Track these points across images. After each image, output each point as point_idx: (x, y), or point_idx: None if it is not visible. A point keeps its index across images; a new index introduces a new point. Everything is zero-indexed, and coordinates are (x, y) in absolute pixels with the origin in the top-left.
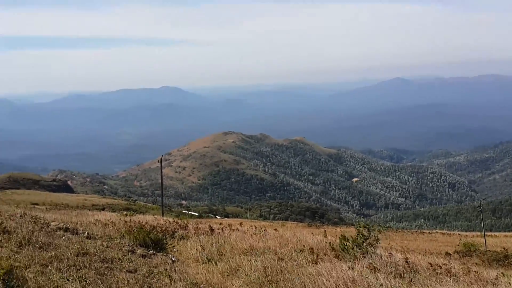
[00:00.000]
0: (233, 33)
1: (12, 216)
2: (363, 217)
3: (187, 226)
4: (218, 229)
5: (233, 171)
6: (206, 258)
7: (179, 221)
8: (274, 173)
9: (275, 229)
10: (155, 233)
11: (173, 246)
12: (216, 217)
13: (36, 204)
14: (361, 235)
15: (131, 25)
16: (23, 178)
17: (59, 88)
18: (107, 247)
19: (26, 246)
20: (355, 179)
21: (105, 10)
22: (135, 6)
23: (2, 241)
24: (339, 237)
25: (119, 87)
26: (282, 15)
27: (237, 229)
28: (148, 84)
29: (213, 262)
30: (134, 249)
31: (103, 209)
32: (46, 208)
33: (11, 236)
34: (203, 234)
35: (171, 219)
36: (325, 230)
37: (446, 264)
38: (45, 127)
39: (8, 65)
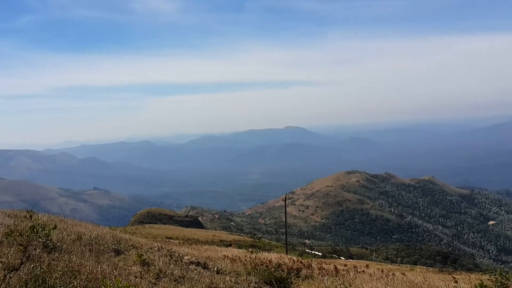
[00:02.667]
0: (357, 71)
1: (150, 249)
2: (501, 264)
3: (311, 265)
4: (343, 270)
5: (357, 211)
6: None
7: (303, 260)
8: (400, 214)
9: (403, 273)
10: (280, 271)
11: (298, 286)
12: (340, 258)
13: (171, 238)
14: (499, 284)
15: (256, 69)
16: (159, 214)
17: (194, 130)
18: (235, 283)
19: (163, 278)
20: (491, 222)
21: (231, 57)
22: (259, 51)
23: (142, 272)
24: (475, 285)
25: (246, 128)
26: (408, 52)
27: (363, 271)
28: (273, 125)
29: None
30: (261, 287)
31: (230, 245)
32: (180, 242)
33: (149, 268)
34: (327, 274)
35: (295, 258)
36: (454, 277)
37: None
38: (181, 166)
39: (149, 110)
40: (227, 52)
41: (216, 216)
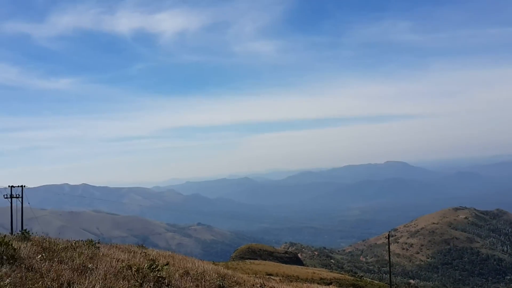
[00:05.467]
0: (462, 103)
1: (253, 286)
2: None
3: None
4: None
5: (466, 250)
6: None
7: None
8: None
9: None
10: None
11: None
12: None
13: (271, 274)
14: None
15: (353, 104)
16: (259, 249)
17: (291, 166)
18: None
19: None
20: None
21: (328, 93)
22: (356, 85)
23: None
24: None
25: (345, 163)
26: None
27: None
28: (372, 160)
29: None
30: None
31: (330, 283)
32: (280, 279)
33: None
34: None
35: None
36: None
37: None
38: (280, 202)
39: (248, 147)
40: (323, 88)
41: (316, 253)
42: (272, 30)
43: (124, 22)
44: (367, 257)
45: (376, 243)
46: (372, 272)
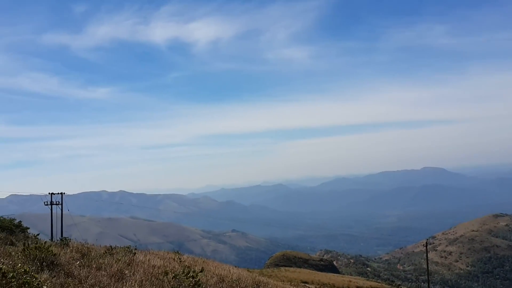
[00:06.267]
0: (501, 107)
1: None
2: None
3: None
4: None
5: (508, 258)
6: None
7: None
8: None
9: None
10: None
11: None
12: None
13: (306, 282)
14: None
15: (388, 109)
16: (294, 257)
17: (325, 173)
18: None
19: None
20: None
21: (362, 99)
22: (391, 91)
23: None
24: None
25: (380, 169)
26: None
27: None
28: (409, 166)
29: None
30: None
31: None
32: (315, 287)
33: None
34: None
35: None
36: None
37: None
38: (315, 209)
39: (282, 154)
40: (358, 94)
41: (351, 260)
42: (305, 36)
43: (159, 32)
44: (405, 265)
45: (413, 251)
46: (410, 280)
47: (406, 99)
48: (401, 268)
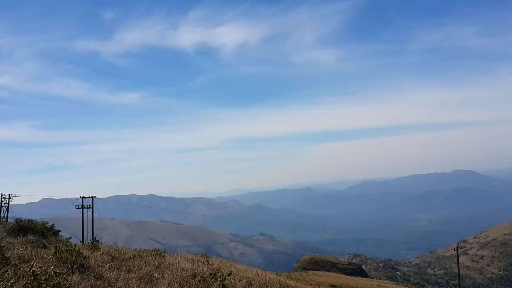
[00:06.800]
0: None
1: None
2: None
3: None
4: None
5: None
6: None
7: None
8: None
9: None
10: None
11: None
12: None
13: (334, 286)
14: None
15: (417, 111)
16: (322, 260)
17: (353, 176)
18: None
19: None
20: None
21: (390, 101)
22: (419, 93)
23: None
24: None
25: (410, 172)
26: None
27: None
28: (439, 169)
29: None
30: None
31: None
32: None
33: None
34: None
35: None
36: None
37: None
38: (343, 212)
39: (309, 157)
40: (386, 96)
41: (381, 264)
42: (332, 39)
43: (187, 37)
44: (435, 270)
45: (444, 255)
46: (441, 285)
47: (435, 101)
48: (432, 272)
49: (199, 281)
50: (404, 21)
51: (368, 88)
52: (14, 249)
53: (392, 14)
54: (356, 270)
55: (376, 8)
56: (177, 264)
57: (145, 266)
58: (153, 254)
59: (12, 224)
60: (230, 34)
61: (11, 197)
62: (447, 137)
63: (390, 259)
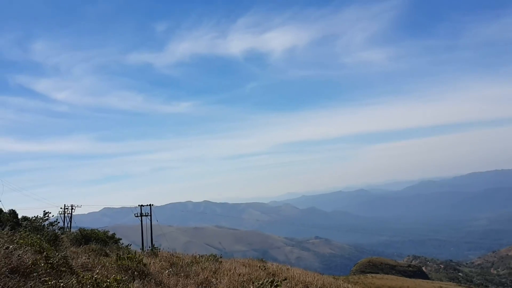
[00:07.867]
0: None
1: None
2: None
3: None
4: None
5: None
6: None
7: None
8: None
9: None
10: None
11: None
12: None
13: None
14: None
15: (474, 108)
16: (380, 263)
17: (410, 176)
18: None
19: None
20: None
21: (445, 98)
22: (475, 88)
23: None
24: None
25: (469, 170)
26: None
27: None
28: (500, 165)
29: None
30: None
31: None
32: None
33: None
34: None
35: None
36: None
37: None
38: (400, 214)
39: (363, 158)
40: (441, 93)
41: (441, 266)
42: (382, 37)
43: (236, 44)
44: (499, 270)
45: (508, 254)
46: (505, 285)
47: (494, 96)
48: (495, 272)
49: (256, 286)
50: (457, 15)
51: (422, 86)
52: (78, 258)
53: (443, 9)
54: (416, 272)
55: (427, 3)
56: (234, 270)
57: (203, 272)
58: (210, 259)
59: (75, 233)
60: (279, 39)
61: (74, 208)
62: (506, 133)
63: (451, 260)
